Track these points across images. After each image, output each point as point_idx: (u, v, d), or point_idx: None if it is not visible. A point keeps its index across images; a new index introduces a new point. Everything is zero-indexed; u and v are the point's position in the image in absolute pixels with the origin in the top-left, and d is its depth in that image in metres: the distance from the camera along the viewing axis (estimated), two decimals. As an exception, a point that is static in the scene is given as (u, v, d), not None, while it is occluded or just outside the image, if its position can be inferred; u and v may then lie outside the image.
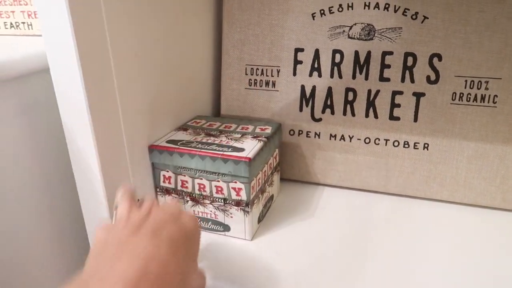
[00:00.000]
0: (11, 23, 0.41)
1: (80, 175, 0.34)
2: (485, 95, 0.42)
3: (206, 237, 0.40)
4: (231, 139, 0.40)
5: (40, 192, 0.39)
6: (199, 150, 0.38)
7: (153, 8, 0.38)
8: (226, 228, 0.40)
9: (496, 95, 0.41)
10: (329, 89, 0.46)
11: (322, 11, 0.46)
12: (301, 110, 0.48)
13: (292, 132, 0.49)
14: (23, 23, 0.41)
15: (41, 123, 0.37)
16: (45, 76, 0.36)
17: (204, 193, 0.39)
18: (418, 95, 0.44)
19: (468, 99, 0.42)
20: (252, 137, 0.41)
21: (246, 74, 0.50)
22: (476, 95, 0.42)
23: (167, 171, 0.39)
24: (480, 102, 0.42)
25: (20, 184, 0.36)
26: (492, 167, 0.43)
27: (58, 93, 0.32)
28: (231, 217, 0.39)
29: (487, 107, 0.42)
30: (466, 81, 0.42)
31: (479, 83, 0.42)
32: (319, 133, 0.48)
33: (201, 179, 0.38)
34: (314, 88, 0.47)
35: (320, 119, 0.47)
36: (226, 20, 0.49)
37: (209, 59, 0.51)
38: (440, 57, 0.42)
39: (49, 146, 0.39)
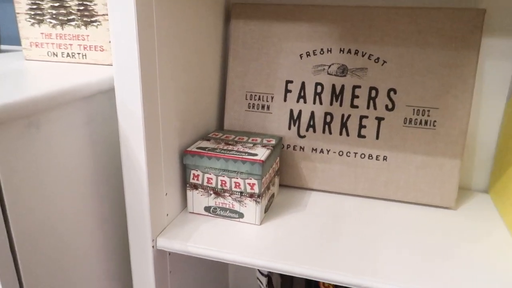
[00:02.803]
0: (67, 53, 0.52)
1: (129, 171, 0.45)
2: (427, 120, 0.56)
3: (224, 223, 0.51)
4: (245, 147, 0.52)
5: (92, 194, 0.49)
6: (223, 154, 0.49)
7: (184, 49, 0.50)
8: (241, 215, 0.51)
9: (435, 120, 0.56)
10: (312, 113, 0.60)
11: (307, 53, 0.59)
12: (289, 128, 0.61)
13: (282, 146, 0.61)
14: (79, 53, 0.52)
15: (99, 133, 0.48)
16: (101, 97, 0.47)
17: (225, 188, 0.51)
18: (379, 119, 0.57)
19: (415, 123, 0.56)
20: (261, 146, 0.53)
21: (246, 99, 0.62)
22: (421, 120, 0.56)
23: (196, 170, 0.51)
24: (424, 125, 0.56)
25: (77, 183, 0.46)
26: (433, 174, 0.56)
27: (120, 107, 0.43)
28: (245, 206, 0.51)
29: (429, 129, 0.56)
30: (414, 109, 0.56)
31: (423, 111, 0.56)
32: (303, 147, 0.61)
33: (223, 176, 0.50)
34: (300, 111, 0.60)
35: (304, 136, 0.60)
36: (232, 55, 0.62)
37: (216, 85, 0.63)
38: (395, 91, 0.57)
39: (105, 151, 0.49)
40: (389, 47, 0.56)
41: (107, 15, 0.53)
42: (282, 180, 0.62)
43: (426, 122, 0.56)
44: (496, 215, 0.55)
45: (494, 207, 0.58)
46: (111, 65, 0.55)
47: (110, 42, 0.54)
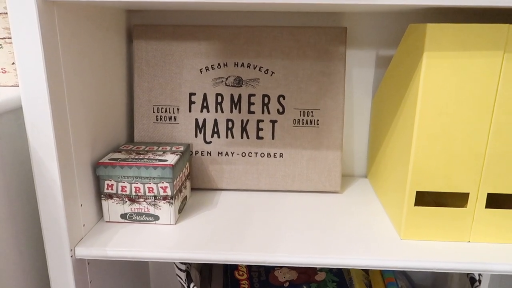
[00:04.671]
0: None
1: (42, 187, 0.47)
2: (312, 120, 0.66)
3: (141, 226, 0.55)
4: (156, 155, 0.57)
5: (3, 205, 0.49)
6: (135, 162, 0.53)
7: (90, 68, 0.54)
8: (156, 218, 0.56)
9: (318, 120, 0.66)
10: (215, 120, 0.67)
11: (207, 68, 0.66)
12: (196, 136, 0.67)
13: (191, 152, 0.67)
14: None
15: (8, 150, 0.49)
16: (8, 116, 0.49)
17: (139, 194, 0.54)
18: (273, 122, 0.66)
19: (303, 123, 0.66)
20: (171, 153, 0.58)
21: (154, 112, 0.67)
22: (307, 120, 0.66)
23: (110, 180, 0.54)
24: (310, 124, 0.66)
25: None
26: (320, 165, 0.67)
27: (29, 127, 0.45)
28: (160, 209, 0.55)
29: (314, 127, 0.66)
30: (300, 111, 0.66)
31: (308, 112, 0.66)
32: (210, 152, 0.67)
33: (137, 183, 0.54)
34: (204, 120, 0.67)
35: (210, 142, 0.67)
36: (136, 73, 0.66)
37: (124, 101, 0.67)
38: (284, 97, 0.66)
39: (16, 168, 0.50)
40: (276, 60, 0.66)
41: (8, 38, 0.54)
42: (193, 184, 0.68)
43: (311, 122, 0.66)
44: (372, 194, 0.67)
45: (371, 188, 0.70)
46: (16, 86, 0.56)
47: (13, 64, 0.55)
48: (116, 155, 0.57)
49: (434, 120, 0.49)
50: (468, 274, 0.61)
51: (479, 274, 0.59)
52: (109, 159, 0.55)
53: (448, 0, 0.42)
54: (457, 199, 0.54)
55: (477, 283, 0.58)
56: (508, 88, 0.48)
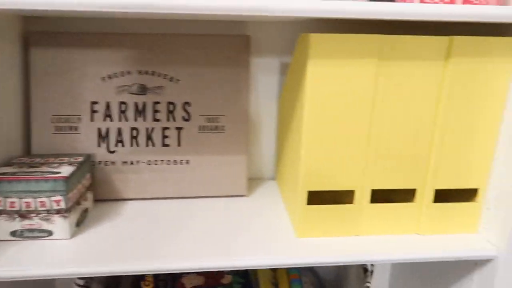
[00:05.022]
0: None
1: None
2: (217, 126, 0.67)
3: (34, 243, 0.53)
4: (51, 167, 0.55)
5: None
6: (25, 176, 0.51)
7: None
8: (50, 233, 0.54)
9: (223, 125, 0.68)
10: (119, 129, 0.66)
11: (109, 76, 0.65)
12: (99, 145, 0.65)
13: (93, 163, 0.66)
14: None
15: None
16: None
17: (30, 209, 0.52)
18: (179, 129, 0.67)
19: (208, 129, 0.67)
20: (68, 164, 0.56)
21: (53, 122, 0.64)
22: (213, 126, 0.67)
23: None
24: (215, 130, 0.68)
25: None
26: (227, 169, 0.68)
27: None
28: (53, 223, 0.53)
29: (220, 133, 0.68)
30: (206, 118, 0.67)
31: (213, 118, 0.67)
32: (115, 161, 0.66)
33: (27, 198, 0.52)
34: (108, 129, 0.65)
35: (114, 151, 0.66)
36: (33, 82, 0.64)
37: (19, 112, 0.64)
38: (189, 104, 0.67)
39: None
40: (181, 68, 0.66)
41: None
42: (97, 195, 0.66)
43: (216, 128, 0.68)
44: (278, 196, 0.70)
45: (278, 190, 0.73)
46: None
47: None
48: (6, 169, 0.54)
49: (319, 124, 0.52)
50: (362, 265, 0.65)
51: (371, 265, 0.64)
52: (-4, 174, 0.52)
53: (314, 11, 0.45)
54: (403, 196, 0.58)
55: (369, 273, 0.62)
56: (383, 92, 0.52)
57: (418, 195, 0.56)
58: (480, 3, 0.50)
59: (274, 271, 0.74)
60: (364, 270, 0.64)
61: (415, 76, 0.52)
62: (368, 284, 0.60)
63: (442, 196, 0.58)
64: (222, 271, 0.69)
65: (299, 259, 0.51)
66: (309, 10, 0.45)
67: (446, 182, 0.56)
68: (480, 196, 0.57)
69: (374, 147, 0.54)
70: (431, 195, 0.56)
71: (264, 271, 0.71)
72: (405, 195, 0.58)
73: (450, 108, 0.53)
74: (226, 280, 0.66)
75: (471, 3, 0.50)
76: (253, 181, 0.76)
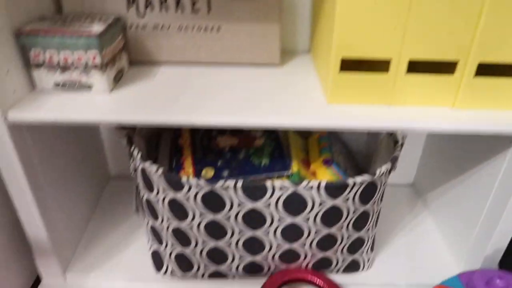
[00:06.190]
0: None
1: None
2: (250, -10, 0.63)
3: (76, 95, 0.56)
4: (83, 26, 0.55)
5: None
6: (60, 29, 0.52)
7: None
8: (90, 86, 0.57)
9: (257, -10, 0.63)
10: (149, -9, 0.63)
11: None
12: (128, 9, 0.64)
13: (125, 26, 0.65)
14: None
15: None
16: None
17: (69, 63, 0.54)
18: (210, -7, 0.64)
19: (241, -6, 0.64)
20: (99, 23, 0.57)
21: (83, -18, 0.63)
22: (245, -9, 0.63)
23: (36, 50, 0.53)
24: (248, -5, 0.64)
25: None
26: (259, 38, 0.66)
27: None
28: (93, 77, 0.56)
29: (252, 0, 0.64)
30: (238, -19, 0.63)
31: (246, -18, 0.63)
32: (145, 25, 0.65)
33: (65, 52, 0.53)
34: (138, -10, 0.63)
35: (143, 15, 0.64)
36: None
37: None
38: (221, -35, 0.62)
39: None
40: None
41: None
42: (132, 58, 0.67)
43: (249, -8, 0.64)
44: (312, 67, 0.68)
45: (312, 62, 0.71)
46: None
47: None
48: (39, 25, 0.55)
49: (359, -20, 0.47)
50: (393, 138, 0.65)
51: (402, 138, 0.64)
52: (32, 28, 0.53)
53: None
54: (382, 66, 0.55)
55: (399, 145, 0.62)
56: None
57: (459, 67, 0.53)
58: None
59: (305, 139, 0.75)
60: (395, 142, 0.64)
61: None
62: (397, 154, 0.61)
63: (484, 71, 0.54)
64: (255, 135, 0.71)
65: (329, 122, 0.52)
66: None
67: (492, 56, 0.51)
68: (528, 70, 0.53)
69: (416, 12, 0.49)
70: (473, 68, 0.53)
71: (295, 138, 0.73)
72: (445, 69, 0.54)
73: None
74: (259, 142, 0.69)
75: None
76: (287, 54, 0.74)
